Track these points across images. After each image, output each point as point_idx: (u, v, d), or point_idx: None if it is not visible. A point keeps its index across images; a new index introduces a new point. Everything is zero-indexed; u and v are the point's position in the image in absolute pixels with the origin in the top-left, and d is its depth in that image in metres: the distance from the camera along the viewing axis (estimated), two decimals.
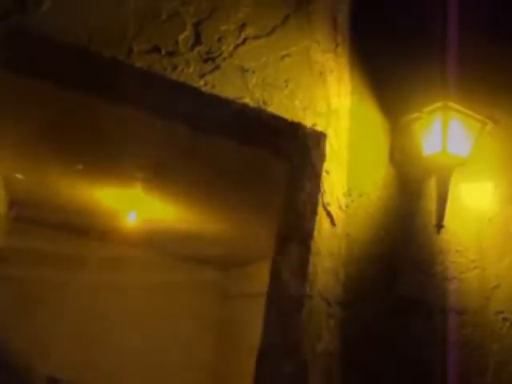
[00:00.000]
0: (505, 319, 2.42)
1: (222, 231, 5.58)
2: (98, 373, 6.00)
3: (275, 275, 2.16)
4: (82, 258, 6.38)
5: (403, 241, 2.22)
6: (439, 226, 2.16)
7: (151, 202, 5.12)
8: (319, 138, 2.16)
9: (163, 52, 2.01)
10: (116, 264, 6.47)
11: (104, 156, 3.75)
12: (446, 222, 2.24)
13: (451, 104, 2.08)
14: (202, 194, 4.56)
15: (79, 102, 2.46)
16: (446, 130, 2.08)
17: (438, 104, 2.10)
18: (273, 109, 2.12)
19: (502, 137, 2.37)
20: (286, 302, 2.06)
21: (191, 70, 2.03)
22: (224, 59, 2.09)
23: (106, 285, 6.35)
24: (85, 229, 6.14)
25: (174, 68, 2.01)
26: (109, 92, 2.08)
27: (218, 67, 2.07)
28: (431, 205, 2.23)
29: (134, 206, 5.36)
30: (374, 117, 2.29)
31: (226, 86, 2.07)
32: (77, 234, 6.33)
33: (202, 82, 2.04)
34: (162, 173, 4.21)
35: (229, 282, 7.04)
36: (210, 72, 2.06)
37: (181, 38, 2.04)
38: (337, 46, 2.31)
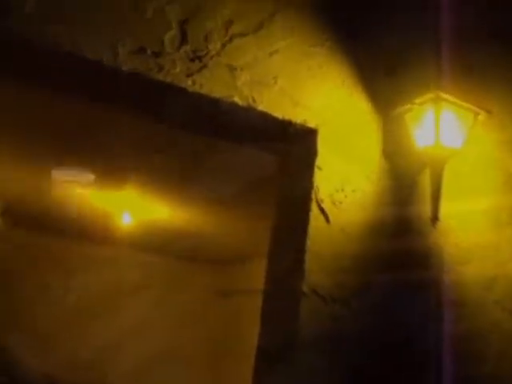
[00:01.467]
0: (504, 309, 2.41)
1: (219, 228, 5.57)
2: (93, 373, 6.00)
3: (271, 273, 2.15)
4: (76, 260, 6.38)
5: (398, 234, 2.21)
6: (434, 218, 2.13)
7: (145, 202, 5.11)
8: (310, 134, 2.14)
9: (149, 52, 1.98)
10: (111, 264, 6.46)
11: (97, 158, 3.71)
12: (442, 213, 2.22)
13: (443, 95, 2.06)
14: (196, 191, 4.54)
15: (67, 105, 2.43)
16: (438, 122, 2.05)
17: (430, 95, 2.07)
18: (262, 107, 2.09)
19: (494, 127, 2.35)
20: (281, 301, 2.05)
21: (178, 69, 2.00)
22: (211, 58, 2.06)
23: (100, 285, 6.34)
24: (78, 231, 6.13)
25: (161, 69, 1.98)
26: (95, 95, 2.05)
27: (205, 66, 2.04)
28: (426, 197, 2.21)
29: (128, 207, 5.36)
30: (365, 110, 2.27)
31: (214, 85, 2.04)
32: (70, 236, 6.32)
33: (189, 82, 2.01)
34: (154, 171, 4.19)
35: (227, 279, 7.03)
36: (198, 71, 2.03)
37: (166, 37, 2.01)
38: (326, 39, 2.28)
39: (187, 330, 6.77)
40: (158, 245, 6.45)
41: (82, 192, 4.99)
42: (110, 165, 4.10)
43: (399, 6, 2.31)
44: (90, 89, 2.03)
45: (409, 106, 2.13)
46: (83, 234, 6.16)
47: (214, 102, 2.04)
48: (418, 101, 2.10)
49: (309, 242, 2.03)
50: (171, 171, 4.13)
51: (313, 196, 2.10)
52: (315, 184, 2.11)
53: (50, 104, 2.60)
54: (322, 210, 2.10)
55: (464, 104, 2.10)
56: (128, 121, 2.42)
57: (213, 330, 6.88)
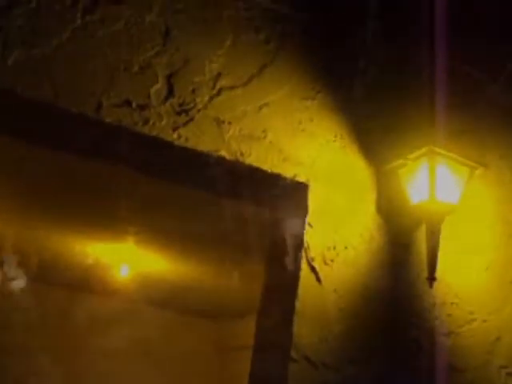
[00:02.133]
0: (509, 374, 2.28)
1: (216, 283, 5.48)
2: None
3: (260, 337, 2.04)
4: (74, 313, 6.26)
5: (394, 295, 2.10)
6: (431, 278, 2.03)
7: (144, 255, 5.05)
8: (301, 189, 2.07)
9: (134, 105, 1.93)
10: (108, 318, 6.34)
11: (89, 211, 3.67)
12: (440, 272, 2.12)
13: (437, 149, 1.99)
14: (194, 247, 4.49)
15: (53, 158, 2.38)
16: (433, 177, 1.98)
17: (424, 150, 2.01)
18: (251, 160, 2.03)
19: (492, 180, 2.28)
20: (270, 366, 1.93)
21: (163, 123, 1.95)
22: (198, 111, 2.01)
23: (97, 340, 6.19)
24: (76, 283, 6.05)
25: (146, 122, 1.94)
26: (78, 148, 2.00)
27: (191, 119, 1.99)
28: (422, 256, 2.11)
29: (127, 260, 5.29)
30: (358, 165, 2.20)
31: (201, 138, 1.99)
32: (69, 289, 6.23)
33: (175, 136, 1.96)
34: (152, 226, 4.15)
35: (225, 335, 6.88)
36: (184, 125, 1.98)
37: (153, 90, 1.97)
38: (317, 92, 2.24)
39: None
40: (157, 298, 6.36)
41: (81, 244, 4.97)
42: (108, 218, 4.06)
43: (392, 58, 2.27)
44: (74, 142, 1.98)
45: (402, 161, 2.06)
46: (79, 285, 6.09)
47: (201, 156, 1.98)
48: (411, 156, 2.04)
49: (298, 304, 1.92)
50: (170, 225, 4.09)
51: (303, 254, 2.00)
52: (306, 241, 2.02)
53: (36, 157, 2.56)
54: (313, 269, 2.00)
55: (459, 158, 2.04)
56: (124, 174, 2.36)
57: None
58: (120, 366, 6.31)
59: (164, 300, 6.45)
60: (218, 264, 4.93)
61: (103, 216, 3.74)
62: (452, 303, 2.20)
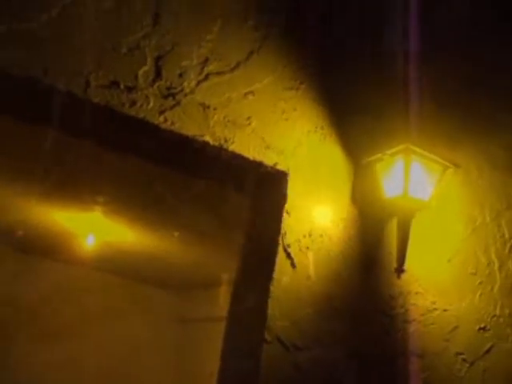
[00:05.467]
0: (464, 360, 2.40)
1: (183, 255, 5.52)
2: None
3: (233, 318, 2.11)
4: (40, 279, 6.24)
5: (364, 283, 2.20)
6: (399, 270, 2.14)
7: (110, 225, 5.05)
8: (281, 177, 2.13)
9: (122, 86, 1.94)
10: (74, 285, 6.35)
11: (62, 182, 3.65)
12: (407, 263, 2.22)
13: (413, 147, 2.08)
14: (162, 219, 4.51)
15: (35, 132, 2.37)
16: (407, 174, 2.07)
17: (400, 147, 2.09)
18: (234, 147, 2.07)
19: (461, 179, 2.38)
20: (243, 348, 2.01)
21: (151, 105, 1.97)
22: (185, 95, 2.03)
23: (62, 306, 6.21)
24: (44, 250, 6.03)
25: (133, 104, 1.95)
26: (64, 126, 2.00)
27: (178, 103, 2.02)
28: (392, 247, 2.21)
29: (93, 229, 5.29)
30: (336, 156, 2.27)
31: (187, 123, 2.02)
32: (36, 255, 6.20)
33: (161, 119, 1.98)
34: (121, 198, 4.16)
35: (187, 306, 6.95)
36: (171, 108, 2.00)
37: (140, 72, 1.99)
38: (301, 83, 2.28)
39: (147, 355, 6.65)
40: (121, 267, 6.38)
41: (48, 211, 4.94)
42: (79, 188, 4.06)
43: (374, 55, 2.33)
44: (58, 118, 1.98)
45: (379, 155, 2.14)
46: (46, 252, 6.06)
47: (186, 140, 2.01)
48: (388, 151, 2.12)
49: (272, 288, 2.00)
50: (141, 199, 4.10)
51: (280, 240, 2.07)
52: (283, 228, 2.09)
53: (17, 130, 2.54)
54: (289, 256, 2.07)
55: (433, 157, 2.12)
56: (100, 151, 2.37)
57: (171, 355, 6.77)
58: (82, 326, 6.31)
59: (128, 270, 6.48)
60: (187, 238, 4.96)
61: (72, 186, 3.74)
62: (416, 293, 2.30)
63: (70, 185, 3.95)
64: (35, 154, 3.22)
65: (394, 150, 2.11)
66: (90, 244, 5.61)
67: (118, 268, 6.44)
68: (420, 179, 2.11)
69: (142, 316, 6.70)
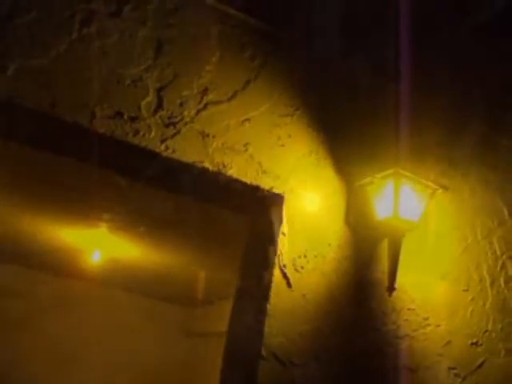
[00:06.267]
0: (457, 375, 2.46)
1: (187, 271, 5.59)
2: None
3: (232, 335, 2.19)
4: (46, 296, 6.32)
5: (357, 300, 2.28)
6: (391, 288, 2.22)
7: (116, 241, 5.13)
8: (277, 200, 2.22)
9: (125, 117, 2.05)
10: (80, 302, 6.39)
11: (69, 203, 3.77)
12: (399, 281, 2.30)
13: (402, 171, 2.17)
14: (167, 236, 4.59)
15: (45, 159, 2.49)
16: (397, 196, 2.16)
17: (390, 171, 2.19)
18: (232, 172, 2.17)
19: (453, 197, 2.46)
20: (241, 364, 2.09)
21: (153, 134, 2.08)
22: (185, 124, 2.14)
23: (68, 323, 6.25)
24: (51, 266, 6.10)
25: (136, 133, 2.06)
26: (71, 154, 2.11)
27: (178, 132, 2.12)
28: (384, 266, 2.30)
29: (99, 245, 5.37)
30: (330, 179, 2.36)
31: (187, 150, 2.12)
32: (42, 272, 6.27)
33: (162, 147, 2.09)
34: (126, 214, 4.24)
35: (194, 321, 6.99)
36: (172, 137, 2.11)
37: (143, 103, 2.10)
38: (296, 109, 2.39)
39: (153, 369, 6.68)
40: (128, 282, 6.43)
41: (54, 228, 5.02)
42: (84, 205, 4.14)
43: (366, 84, 2.43)
44: (66, 147, 2.10)
45: (370, 179, 2.23)
46: (53, 269, 6.13)
47: (186, 167, 2.11)
48: (379, 175, 2.21)
49: (269, 306, 2.09)
50: (146, 217, 4.19)
51: (276, 261, 2.17)
52: (279, 249, 2.18)
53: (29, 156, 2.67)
54: (285, 276, 2.17)
55: (422, 180, 2.21)
56: (103, 175, 2.48)
57: (179, 368, 6.80)
58: (89, 342, 6.37)
59: (135, 286, 6.53)
60: (192, 255, 5.04)
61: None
62: (409, 309, 2.37)
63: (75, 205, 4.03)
64: (46, 177, 3.36)
65: (384, 173, 2.20)
66: (98, 260, 5.67)
67: (124, 284, 6.49)
68: (409, 201, 2.20)
69: (149, 330, 6.73)
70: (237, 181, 2.17)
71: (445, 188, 2.26)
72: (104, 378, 6.33)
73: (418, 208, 2.22)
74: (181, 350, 6.86)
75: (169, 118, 2.12)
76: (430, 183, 2.22)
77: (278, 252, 2.18)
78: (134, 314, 6.65)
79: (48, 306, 6.24)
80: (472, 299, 2.42)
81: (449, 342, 2.48)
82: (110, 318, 6.46)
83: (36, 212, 4.41)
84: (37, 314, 6.18)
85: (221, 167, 2.16)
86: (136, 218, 4.07)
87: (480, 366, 2.33)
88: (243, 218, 2.41)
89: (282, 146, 2.31)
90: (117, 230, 4.73)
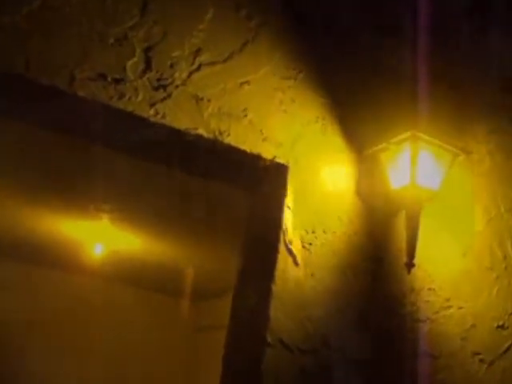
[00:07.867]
0: (482, 361, 2.29)
1: (192, 262, 5.49)
2: None
3: (235, 320, 2.01)
4: (47, 290, 6.20)
5: (371, 280, 2.10)
6: (410, 264, 2.03)
7: (118, 233, 5.02)
8: (280, 170, 2.03)
9: (109, 79, 1.86)
10: (83, 296, 6.32)
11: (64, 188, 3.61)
12: (418, 258, 2.11)
13: (420, 134, 1.97)
14: (170, 226, 4.47)
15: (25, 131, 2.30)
16: (414, 162, 1.96)
17: (407, 134, 1.99)
18: (230, 140, 1.98)
19: (473, 167, 2.28)
20: (244, 351, 1.91)
21: (140, 98, 1.89)
22: (176, 87, 1.95)
23: (71, 318, 6.17)
24: (51, 260, 6.01)
25: (122, 96, 1.87)
26: (48, 122, 1.92)
27: (169, 95, 1.93)
28: (401, 241, 2.11)
29: (101, 238, 5.25)
30: (339, 147, 2.17)
31: (179, 115, 1.93)
32: (42, 266, 6.18)
33: (151, 112, 1.90)
34: (127, 204, 4.12)
35: (201, 314, 6.90)
36: (161, 101, 1.92)
37: (129, 64, 1.90)
38: (299, 71, 2.19)
39: (160, 363, 6.60)
40: (132, 276, 6.36)
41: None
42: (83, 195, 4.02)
43: (376, 44, 2.24)
44: (44, 115, 1.91)
45: (384, 145, 2.04)
46: (53, 263, 6.05)
47: (178, 134, 1.92)
48: (394, 140, 2.02)
49: (274, 287, 1.90)
50: (146, 205, 4.05)
51: (281, 237, 1.98)
52: (284, 224, 1.99)
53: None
54: (291, 253, 1.98)
55: (442, 144, 2.01)
56: (101, 152, 2.29)
57: (186, 363, 6.69)
58: (93, 337, 6.26)
59: (140, 279, 6.45)
60: (195, 245, 4.91)
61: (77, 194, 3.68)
62: (429, 289, 2.19)
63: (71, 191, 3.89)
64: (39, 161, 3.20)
65: (399, 137, 2.00)
66: (99, 253, 5.58)
67: (128, 277, 6.41)
68: (428, 167, 2.00)
69: (154, 325, 6.66)
70: (235, 149, 1.97)
71: (467, 152, 2.06)
72: (107, 373, 6.25)
73: (438, 175, 2.01)
74: (186, 344, 6.77)
75: (158, 80, 1.93)
76: (450, 147, 2.02)
77: (283, 227, 1.99)
78: (138, 308, 6.57)
79: (48, 301, 6.14)
80: (497, 278, 2.24)
81: (473, 326, 2.30)
82: (114, 313, 6.38)
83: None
84: (36, 311, 6.08)
85: (217, 134, 1.96)
86: (138, 207, 3.91)
87: (507, 350, 2.14)
88: (245, 196, 2.23)
89: (285, 111, 2.11)
90: (120, 221, 4.61)
